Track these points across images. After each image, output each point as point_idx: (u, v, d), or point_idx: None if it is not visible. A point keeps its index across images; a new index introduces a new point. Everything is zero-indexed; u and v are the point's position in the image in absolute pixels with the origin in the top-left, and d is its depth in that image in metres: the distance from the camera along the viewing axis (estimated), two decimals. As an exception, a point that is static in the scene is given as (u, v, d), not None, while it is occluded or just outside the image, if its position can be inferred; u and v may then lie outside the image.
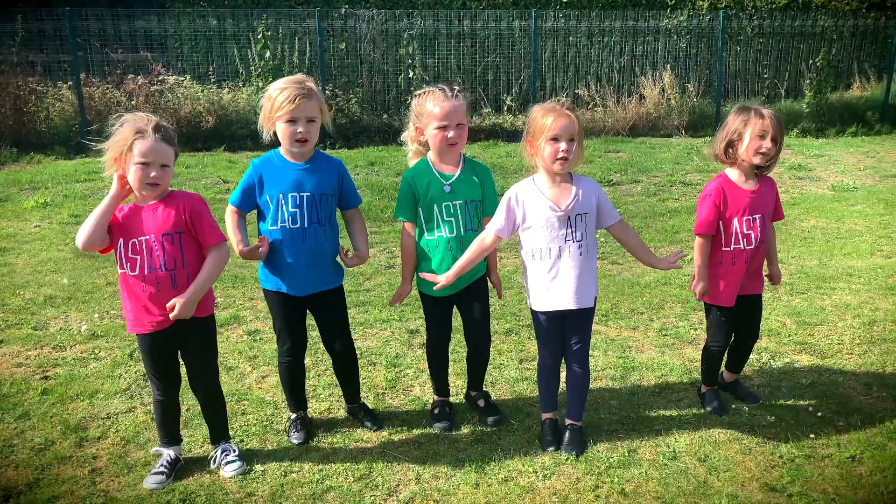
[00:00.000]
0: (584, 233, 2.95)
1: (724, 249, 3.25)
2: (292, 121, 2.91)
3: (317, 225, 3.01)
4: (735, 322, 3.39)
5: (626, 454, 3.06)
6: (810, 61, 12.41)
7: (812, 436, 3.18)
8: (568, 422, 3.17)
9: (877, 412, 3.37)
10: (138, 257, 2.73)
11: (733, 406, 3.46)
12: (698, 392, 3.55)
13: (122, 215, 2.76)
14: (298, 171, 3.00)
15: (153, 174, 2.69)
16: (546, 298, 3.00)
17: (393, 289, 4.98)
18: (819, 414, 3.36)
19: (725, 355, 3.55)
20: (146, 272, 2.73)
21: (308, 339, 3.29)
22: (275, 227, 3.00)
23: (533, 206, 2.95)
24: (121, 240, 2.74)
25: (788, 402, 3.48)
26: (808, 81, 12.07)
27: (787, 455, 3.04)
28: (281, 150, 3.06)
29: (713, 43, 12.75)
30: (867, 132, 11.88)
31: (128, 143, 2.67)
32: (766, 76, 13.22)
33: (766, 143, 3.15)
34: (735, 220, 3.21)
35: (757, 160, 3.18)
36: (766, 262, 3.41)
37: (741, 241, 3.22)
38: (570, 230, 2.93)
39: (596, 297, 3.07)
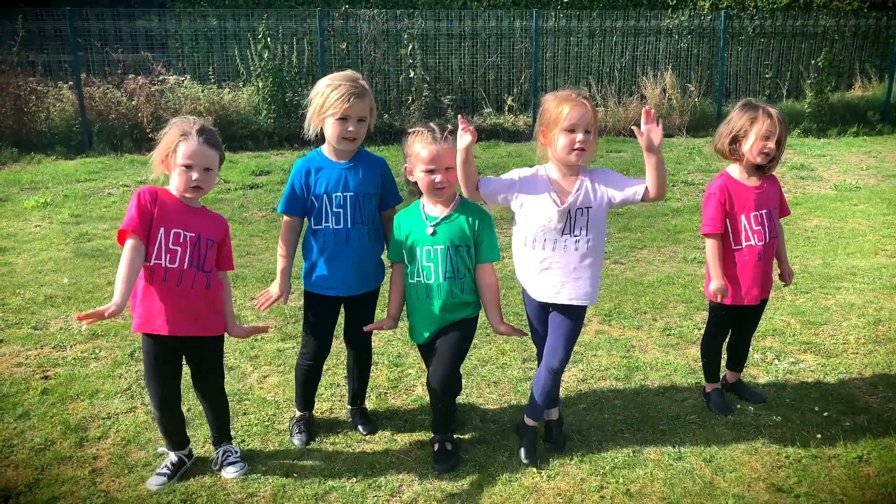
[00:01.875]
0: (584, 227, 2.83)
1: (734, 248, 3.21)
2: (343, 119, 2.87)
3: (360, 225, 2.97)
4: (740, 315, 3.39)
5: (631, 454, 3.04)
6: (812, 61, 12.38)
7: (819, 436, 3.15)
8: (527, 420, 3.05)
9: (883, 412, 3.35)
10: (179, 249, 2.69)
11: (738, 406, 3.43)
12: (703, 392, 3.53)
13: (165, 205, 2.70)
14: (342, 169, 2.97)
15: (195, 177, 2.69)
16: (533, 288, 2.93)
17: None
18: (825, 414, 3.34)
19: (725, 353, 3.53)
20: (186, 266, 2.70)
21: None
22: (318, 227, 2.98)
23: (536, 193, 2.85)
24: (161, 229, 2.68)
25: (794, 402, 3.46)
26: (809, 81, 12.04)
27: (793, 455, 3.01)
28: (324, 148, 3.02)
29: (714, 43, 12.72)
30: (869, 132, 11.85)
31: (172, 146, 2.68)
32: (767, 76, 13.20)
33: (770, 144, 3.14)
34: (742, 217, 3.19)
35: (759, 160, 3.17)
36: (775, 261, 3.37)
37: (752, 238, 3.19)
38: (568, 224, 2.82)
39: (590, 298, 2.89)
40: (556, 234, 2.84)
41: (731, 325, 3.43)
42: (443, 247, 2.90)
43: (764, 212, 3.20)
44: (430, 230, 2.91)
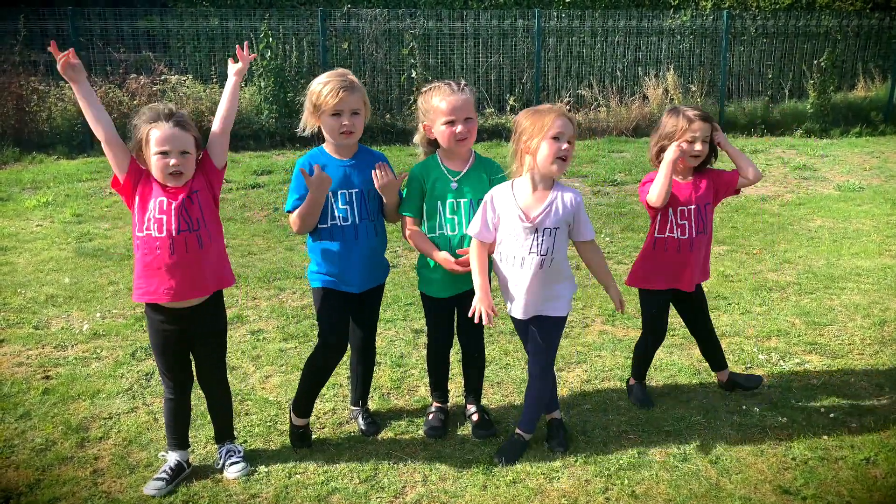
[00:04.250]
0: (549, 248, 2.84)
1: (657, 236, 3.27)
2: (337, 114, 2.87)
3: (367, 220, 2.97)
4: (686, 319, 3.48)
5: (636, 455, 3.01)
6: (814, 61, 12.35)
7: (825, 437, 3.13)
8: (517, 431, 3.07)
9: (890, 413, 3.32)
10: (164, 217, 2.66)
11: (743, 407, 3.41)
12: (626, 383, 3.59)
13: (151, 180, 2.69)
14: (345, 167, 2.96)
15: (173, 162, 2.64)
16: (510, 300, 2.97)
17: (396, 288, 4.93)
18: (831, 415, 3.31)
19: (703, 358, 3.59)
20: (175, 233, 2.66)
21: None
22: (324, 226, 2.95)
23: (505, 211, 2.87)
24: (150, 199, 2.67)
25: (800, 403, 3.43)
26: (812, 82, 12.02)
27: (800, 457, 2.99)
28: (325, 146, 3.01)
29: (717, 43, 12.70)
30: (871, 132, 11.82)
31: (144, 136, 2.64)
32: (769, 76, 13.17)
33: (697, 147, 3.17)
34: (670, 210, 3.24)
35: (692, 163, 3.23)
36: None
37: (675, 231, 3.23)
38: (535, 242, 2.83)
39: (562, 310, 2.94)
40: (524, 251, 2.85)
41: (665, 324, 3.45)
42: (466, 200, 3.00)
43: (693, 207, 3.22)
44: (454, 185, 2.99)
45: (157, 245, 2.67)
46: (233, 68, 2.91)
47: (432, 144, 3.08)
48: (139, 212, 2.69)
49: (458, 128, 2.92)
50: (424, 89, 3.05)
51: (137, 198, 2.70)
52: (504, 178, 3.06)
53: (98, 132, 2.67)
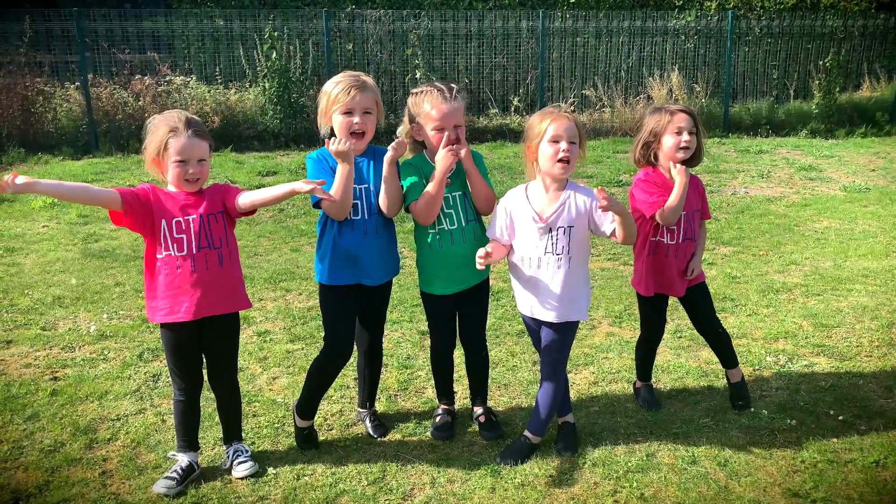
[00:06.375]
0: (565, 246, 2.85)
1: (650, 239, 3.23)
2: (348, 112, 2.89)
3: (377, 215, 2.98)
4: (691, 318, 3.43)
5: (645, 458, 3.01)
6: (819, 62, 12.32)
7: (834, 440, 3.12)
8: (525, 433, 3.06)
9: (899, 416, 3.31)
10: (184, 236, 2.72)
11: (752, 409, 3.40)
12: (633, 385, 3.58)
13: (163, 199, 2.74)
14: (357, 163, 2.97)
15: (191, 171, 2.73)
16: (527, 303, 2.97)
17: (402, 290, 4.93)
18: (840, 418, 3.30)
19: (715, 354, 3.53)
20: (195, 251, 2.72)
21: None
22: (335, 220, 2.96)
23: (518, 213, 2.91)
24: (163, 221, 2.72)
25: (808, 406, 3.42)
26: (817, 82, 11.99)
27: (809, 460, 2.98)
28: None
29: (721, 43, 12.67)
30: (877, 133, 11.78)
31: (163, 143, 2.70)
32: (774, 77, 13.14)
33: (686, 137, 3.16)
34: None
35: (680, 154, 3.18)
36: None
37: (665, 235, 3.20)
38: (550, 242, 2.85)
39: (578, 314, 2.93)
40: (539, 251, 2.87)
41: (661, 326, 3.45)
42: (459, 193, 3.04)
43: (683, 213, 3.19)
44: (447, 180, 3.00)
45: (179, 263, 2.72)
46: (300, 186, 2.71)
47: (419, 144, 3.08)
48: (156, 235, 2.74)
49: (447, 135, 2.93)
50: (416, 91, 3.04)
51: (159, 221, 2.73)
52: (483, 163, 3.11)
53: (100, 204, 2.72)
